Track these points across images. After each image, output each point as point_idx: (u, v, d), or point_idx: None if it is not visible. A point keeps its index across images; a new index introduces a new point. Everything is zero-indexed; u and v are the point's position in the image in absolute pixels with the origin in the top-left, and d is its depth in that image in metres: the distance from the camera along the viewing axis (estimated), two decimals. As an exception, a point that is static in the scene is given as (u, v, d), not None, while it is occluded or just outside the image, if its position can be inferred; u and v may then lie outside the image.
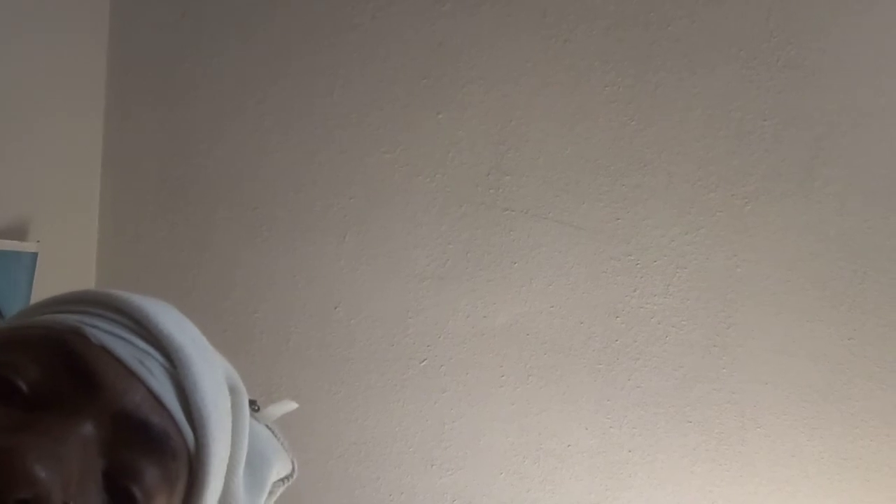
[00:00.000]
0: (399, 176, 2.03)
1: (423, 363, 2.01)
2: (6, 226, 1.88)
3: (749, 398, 1.85)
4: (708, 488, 1.86)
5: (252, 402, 0.67)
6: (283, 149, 2.10)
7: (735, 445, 1.86)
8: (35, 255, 1.90)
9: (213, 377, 0.62)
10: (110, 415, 0.55)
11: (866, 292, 1.81)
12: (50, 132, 2.02)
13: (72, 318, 0.58)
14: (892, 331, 1.79)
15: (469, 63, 2.01)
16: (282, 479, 0.74)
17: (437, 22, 2.02)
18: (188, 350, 0.60)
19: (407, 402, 2.02)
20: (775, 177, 1.85)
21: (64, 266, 2.06)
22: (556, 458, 1.94)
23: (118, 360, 0.57)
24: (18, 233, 1.91)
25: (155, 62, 2.18)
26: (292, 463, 0.75)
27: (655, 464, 1.89)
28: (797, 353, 1.83)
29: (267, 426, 0.74)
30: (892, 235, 1.80)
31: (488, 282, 1.98)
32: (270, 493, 0.72)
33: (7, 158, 1.89)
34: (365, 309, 2.04)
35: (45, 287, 1.92)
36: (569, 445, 1.94)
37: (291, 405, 0.77)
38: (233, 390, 0.65)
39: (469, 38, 2.01)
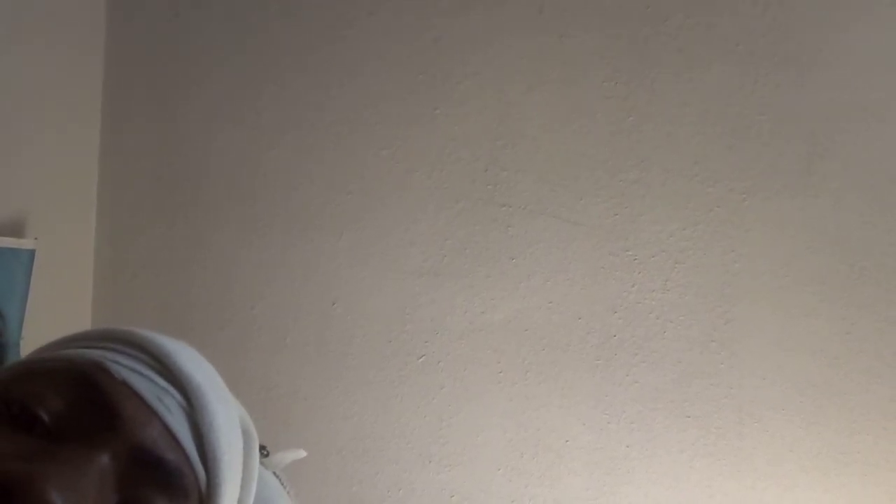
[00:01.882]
0: (396, 172, 2.03)
1: (421, 359, 2.01)
2: (4, 222, 1.88)
3: (747, 393, 1.85)
4: (706, 483, 1.87)
5: (262, 448, 0.68)
6: (279, 146, 2.10)
7: (733, 440, 1.86)
8: (32, 251, 1.90)
9: (228, 419, 0.63)
10: (128, 449, 0.55)
11: (863, 287, 1.81)
12: (47, 129, 2.01)
13: (95, 353, 0.60)
14: (890, 326, 1.80)
15: (465, 59, 2.00)
16: None
17: (433, 18, 2.02)
18: (205, 390, 0.61)
19: (405, 398, 2.02)
20: (772, 172, 1.85)
21: (61, 263, 2.06)
22: (554, 453, 1.94)
23: (138, 396, 0.58)
24: (16, 229, 1.91)
25: (152, 59, 2.18)
26: None
27: (654, 459, 1.90)
28: (795, 349, 1.84)
29: (274, 473, 0.75)
30: (889, 230, 1.80)
31: (486, 278, 1.98)
32: None
33: (4, 155, 1.89)
34: (363, 305, 2.04)
35: (43, 284, 1.92)
36: (567, 441, 1.94)
37: (300, 453, 0.78)
38: (245, 434, 0.66)
39: (465, 35, 2.01)
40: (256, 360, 2.09)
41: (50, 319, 2.01)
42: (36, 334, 1.91)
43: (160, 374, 0.60)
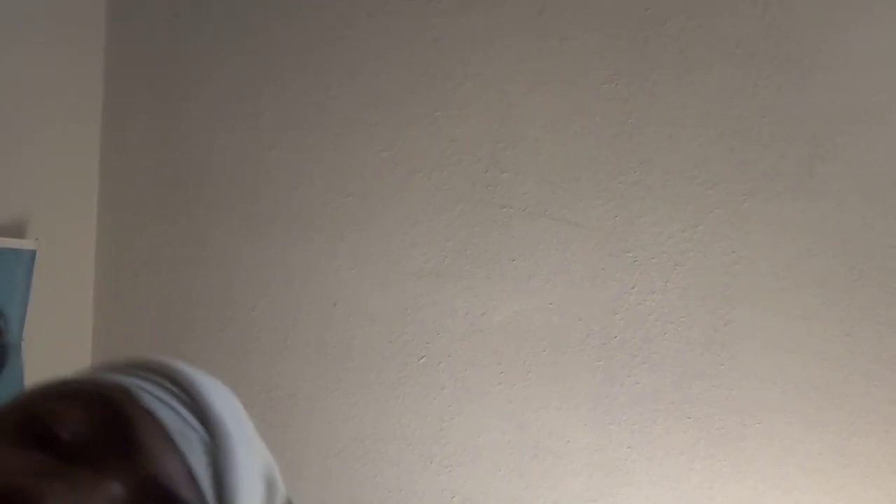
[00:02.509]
0: (397, 174, 2.03)
1: (422, 360, 2.01)
2: (5, 223, 1.88)
3: (747, 395, 1.85)
4: (707, 485, 1.87)
5: (288, 503, 0.67)
6: (280, 146, 2.10)
7: (733, 442, 1.86)
8: (34, 252, 1.90)
9: (251, 464, 0.61)
10: (141, 480, 0.54)
11: (864, 289, 1.81)
12: (48, 130, 2.02)
13: (124, 379, 0.59)
14: (890, 328, 1.79)
15: (466, 61, 2.01)
16: None
17: (433, 19, 2.02)
18: (231, 431, 0.60)
19: (405, 399, 2.02)
20: (773, 174, 1.85)
21: (62, 263, 2.06)
22: (554, 454, 1.94)
23: (161, 427, 0.57)
24: (17, 230, 1.91)
25: (152, 59, 2.18)
26: None
27: (654, 461, 1.90)
28: (795, 350, 1.84)
29: None
30: (890, 233, 1.80)
31: (486, 279, 1.98)
32: None
33: (5, 156, 1.89)
34: (363, 306, 2.05)
35: (44, 284, 1.92)
36: (567, 442, 1.94)
37: None
38: (269, 484, 0.64)
39: (466, 36, 2.01)
40: (257, 360, 2.09)
41: (51, 320, 2.01)
42: (37, 334, 1.92)
43: (188, 408, 0.59)
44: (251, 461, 0.61)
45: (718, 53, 1.88)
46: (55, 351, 2.06)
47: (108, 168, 2.18)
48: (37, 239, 1.92)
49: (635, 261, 1.91)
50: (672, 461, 1.89)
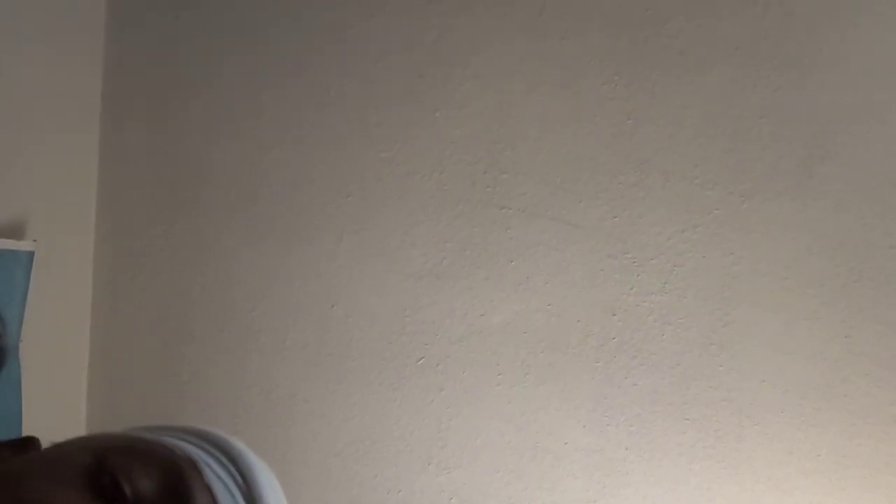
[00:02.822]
0: (396, 174, 2.03)
1: (421, 361, 2.01)
2: (3, 224, 1.88)
3: (746, 396, 1.85)
4: (705, 486, 1.87)
5: None
6: (279, 147, 2.10)
7: (732, 443, 1.86)
8: (32, 253, 1.90)
9: None
10: None
11: (863, 290, 1.81)
12: (47, 131, 2.01)
13: (191, 450, 0.61)
14: (890, 329, 1.79)
15: (465, 61, 2.00)
16: None
17: (432, 20, 2.02)
18: None
19: (404, 400, 2.02)
20: (772, 175, 1.85)
21: (61, 265, 2.06)
22: (553, 455, 1.94)
23: None
24: (15, 231, 1.90)
25: (151, 61, 2.18)
26: None
27: (653, 462, 1.89)
28: (794, 351, 1.84)
29: None
30: (890, 233, 1.80)
31: (485, 280, 1.98)
32: None
33: (4, 157, 1.89)
34: (362, 307, 2.04)
35: (42, 286, 1.92)
36: (566, 443, 1.94)
37: None
38: None
39: (465, 36, 2.01)
40: (256, 362, 2.09)
41: (49, 321, 2.01)
42: (35, 336, 1.91)
43: (241, 492, 0.61)
44: None
45: (718, 54, 1.88)
46: (53, 352, 2.05)
47: (107, 169, 2.18)
48: (35, 240, 1.92)
49: (634, 261, 1.91)
50: (671, 462, 1.89)
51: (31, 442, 0.69)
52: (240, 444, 0.64)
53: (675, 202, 1.89)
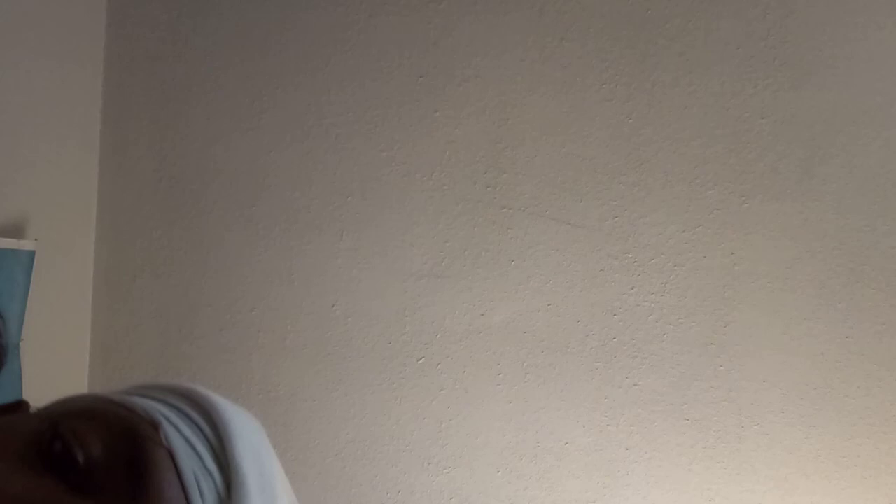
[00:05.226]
0: (396, 174, 2.03)
1: (421, 361, 2.01)
2: (4, 224, 1.88)
3: (747, 396, 1.85)
4: (705, 486, 1.87)
5: None
6: (279, 147, 2.10)
7: (732, 443, 1.86)
8: (33, 252, 1.90)
9: None
10: None
11: (863, 291, 1.81)
12: (48, 130, 2.01)
13: (157, 409, 0.58)
14: (890, 329, 1.80)
15: (465, 61, 2.01)
16: None
17: (433, 20, 2.02)
18: (250, 487, 0.58)
19: (404, 400, 2.02)
20: (773, 175, 1.85)
21: (62, 264, 2.06)
22: (553, 455, 1.94)
23: (177, 470, 0.56)
24: (16, 231, 1.91)
25: (152, 62, 2.18)
26: None
27: (653, 462, 1.89)
28: (795, 352, 1.84)
29: None
30: (889, 234, 1.80)
31: (485, 280, 1.98)
32: None
33: (5, 157, 1.89)
34: (362, 307, 2.04)
35: (43, 285, 1.92)
36: (566, 443, 1.94)
37: None
38: None
39: (465, 36, 2.01)
40: (256, 361, 2.09)
41: (50, 321, 2.01)
42: (36, 335, 1.91)
43: (212, 451, 0.58)
44: None
45: (718, 55, 1.88)
46: (54, 352, 2.05)
47: (108, 169, 2.18)
48: (36, 239, 1.92)
49: (634, 261, 1.91)
50: (671, 462, 1.89)
51: (20, 406, 0.66)
52: (218, 401, 0.61)
53: (676, 202, 1.89)
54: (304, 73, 2.09)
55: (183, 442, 0.57)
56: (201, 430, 0.58)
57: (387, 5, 2.05)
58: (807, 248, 1.83)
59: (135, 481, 0.54)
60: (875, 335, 1.80)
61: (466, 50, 2.01)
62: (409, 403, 2.02)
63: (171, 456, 0.56)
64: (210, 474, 0.57)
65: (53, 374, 2.06)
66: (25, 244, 1.89)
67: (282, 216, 2.09)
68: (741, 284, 1.86)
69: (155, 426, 0.56)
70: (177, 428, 0.57)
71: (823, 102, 1.83)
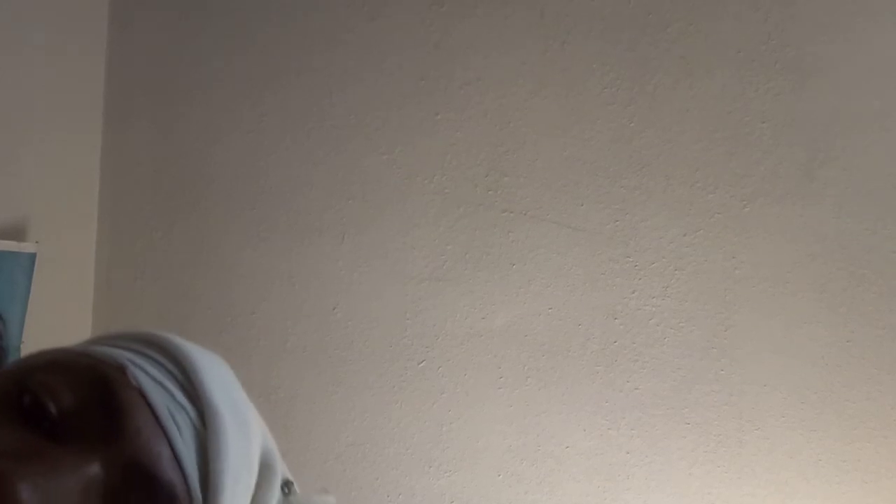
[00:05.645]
0: (397, 177, 2.03)
1: (422, 364, 2.01)
2: (5, 226, 1.88)
3: (747, 400, 1.85)
4: (706, 490, 1.86)
5: (287, 484, 0.65)
6: (280, 150, 2.10)
7: (733, 447, 1.86)
8: (34, 255, 1.90)
9: (243, 448, 0.59)
10: (124, 461, 0.54)
11: (864, 295, 1.81)
12: (49, 133, 2.02)
13: (121, 354, 0.58)
14: (890, 333, 1.79)
15: (467, 64, 2.01)
16: None
17: (434, 23, 2.02)
18: (223, 414, 0.58)
19: (405, 403, 2.02)
20: (773, 179, 1.85)
21: (62, 266, 2.06)
22: (554, 459, 1.94)
23: (150, 407, 0.56)
24: (17, 233, 1.91)
25: (153, 64, 2.18)
26: None
27: (653, 465, 1.89)
28: (795, 355, 1.83)
29: None
30: (890, 238, 1.80)
31: (486, 283, 1.98)
32: None
33: (6, 159, 1.89)
34: (363, 310, 2.04)
35: (44, 287, 1.92)
36: (567, 447, 1.94)
37: (329, 500, 0.73)
38: (264, 467, 0.62)
39: (466, 40, 2.01)
40: (257, 364, 2.09)
41: (51, 323, 2.01)
42: (36, 338, 1.91)
43: (182, 388, 0.58)
44: (242, 445, 0.59)
45: (719, 58, 1.88)
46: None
47: (109, 171, 2.18)
48: (37, 242, 1.92)
49: (635, 265, 1.91)
50: (671, 466, 1.88)
51: None
52: (178, 340, 0.61)
53: (677, 206, 1.89)
54: (305, 75, 2.09)
55: (151, 381, 0.57)
56: (167, 369, 0.59)
57: (388, 7, 2.05)
58: (807, 252, 1.83)
59: (110, 423, 0.54)
60: (876, 339, 1.80)
61: (468, 53, 2.01)
62: (409, 406, 2.02)
63: (142, 395, 0.56)
64: (182, 407, 0.57)
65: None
66: (26, 246, 1.90)
67: (282, 219, 2.09)
68: (742, 288, 1.86)
69: (121, 370, 0.56)
70: (143, 369, 0.57)
71: (824, 106, 1.83)
